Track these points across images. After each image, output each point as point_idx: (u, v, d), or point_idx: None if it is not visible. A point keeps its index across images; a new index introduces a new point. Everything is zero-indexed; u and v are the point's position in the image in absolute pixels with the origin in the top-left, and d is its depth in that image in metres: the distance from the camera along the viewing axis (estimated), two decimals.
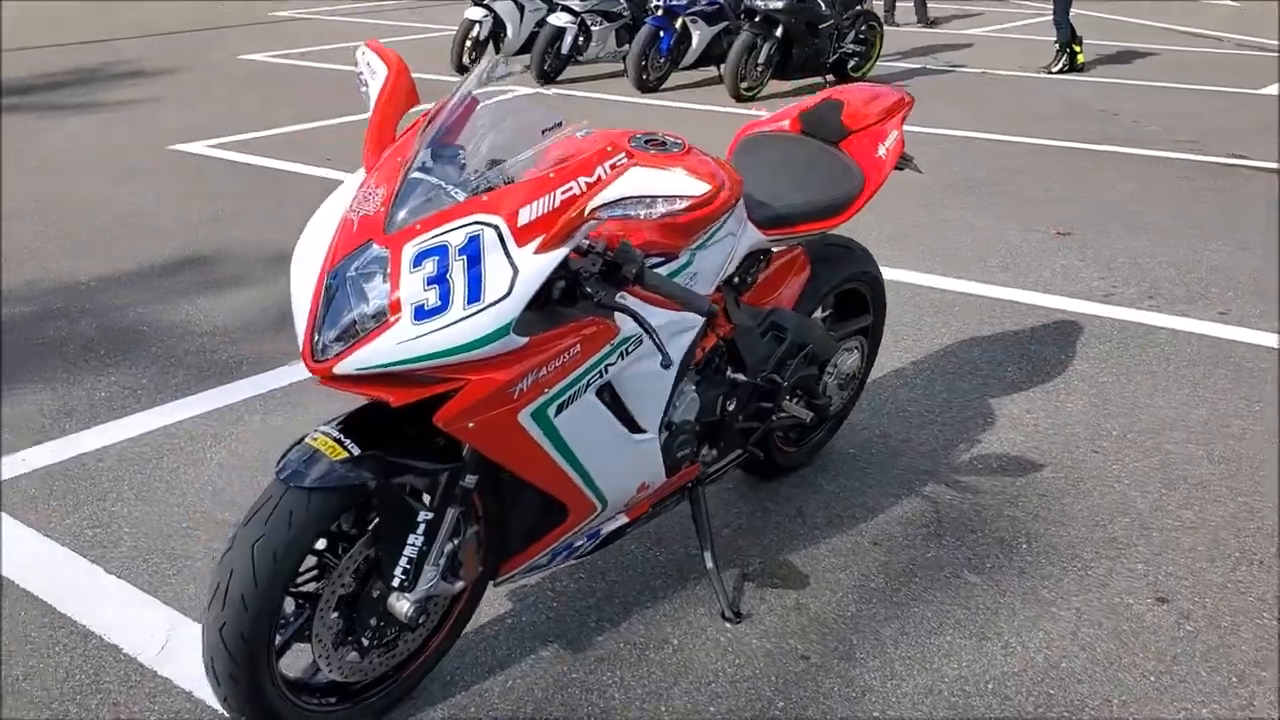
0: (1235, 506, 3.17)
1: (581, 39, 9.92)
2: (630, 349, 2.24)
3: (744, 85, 9.10)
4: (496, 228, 1.94)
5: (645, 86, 9.62)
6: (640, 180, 1.94)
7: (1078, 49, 10.49)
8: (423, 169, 2.07)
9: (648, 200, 1.94)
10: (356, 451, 2.06)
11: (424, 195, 2.02)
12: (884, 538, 3.03)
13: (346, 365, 1.94)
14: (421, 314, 1.92)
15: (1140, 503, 3.19)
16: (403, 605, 2.17)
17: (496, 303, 1.93)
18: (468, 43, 10.13)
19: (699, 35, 9.57)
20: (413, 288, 1.93)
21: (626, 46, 10.05)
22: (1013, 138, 7.84)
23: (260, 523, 2.03)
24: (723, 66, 9.75)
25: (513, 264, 1.94)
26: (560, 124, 2.12)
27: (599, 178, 1.98)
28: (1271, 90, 9.74)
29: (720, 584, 2.74)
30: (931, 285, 4.92)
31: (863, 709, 2.41)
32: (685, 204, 1.94)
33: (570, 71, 10.21)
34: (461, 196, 2.01)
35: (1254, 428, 3.62)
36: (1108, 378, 4.00)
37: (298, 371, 4.05)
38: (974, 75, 10.53)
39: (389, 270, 1.95)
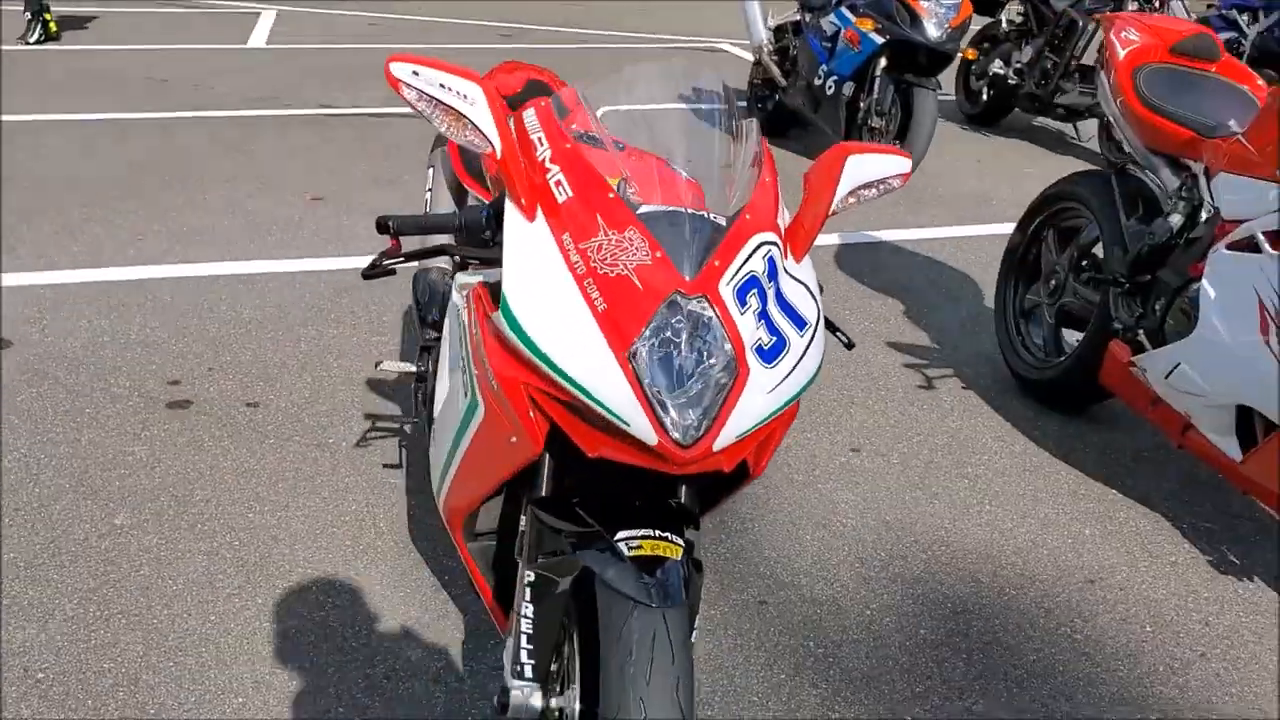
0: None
1: None
2: None
3: None
4: (777, 244, 1.78)
5: None
6: (864, 167, 1.93)
7: (49, 16, 9.81)
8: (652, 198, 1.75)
9: (873, 186, 1.94)
10: (681, 541, 1.73)
11: (687, 226, 1.72)
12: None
13: (725, 438, 1.65)
14: (765, 355, 1.70)
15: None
16: None
17: (818, 322, 1.79)
18: None
19: None
20: (748, 329, 1.69)
21: None
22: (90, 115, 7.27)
23: (666, 669, 1.62)
24: None
25: (797, 278, 1.81)
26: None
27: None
28: (258, 43, 10.33)
29: None
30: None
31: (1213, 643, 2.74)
32: (899, 182, 1.98)
33: None
34: (721, 219, 1.76)
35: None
36: None
37: None
38: None
39: (720, 318, 1.66)
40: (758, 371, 1.68)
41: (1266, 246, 2.81)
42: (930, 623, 2.74)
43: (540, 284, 1.70)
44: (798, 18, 7.29)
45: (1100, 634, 2.75)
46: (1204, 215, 3.22)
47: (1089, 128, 7.55)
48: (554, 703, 1.90)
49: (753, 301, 1.71)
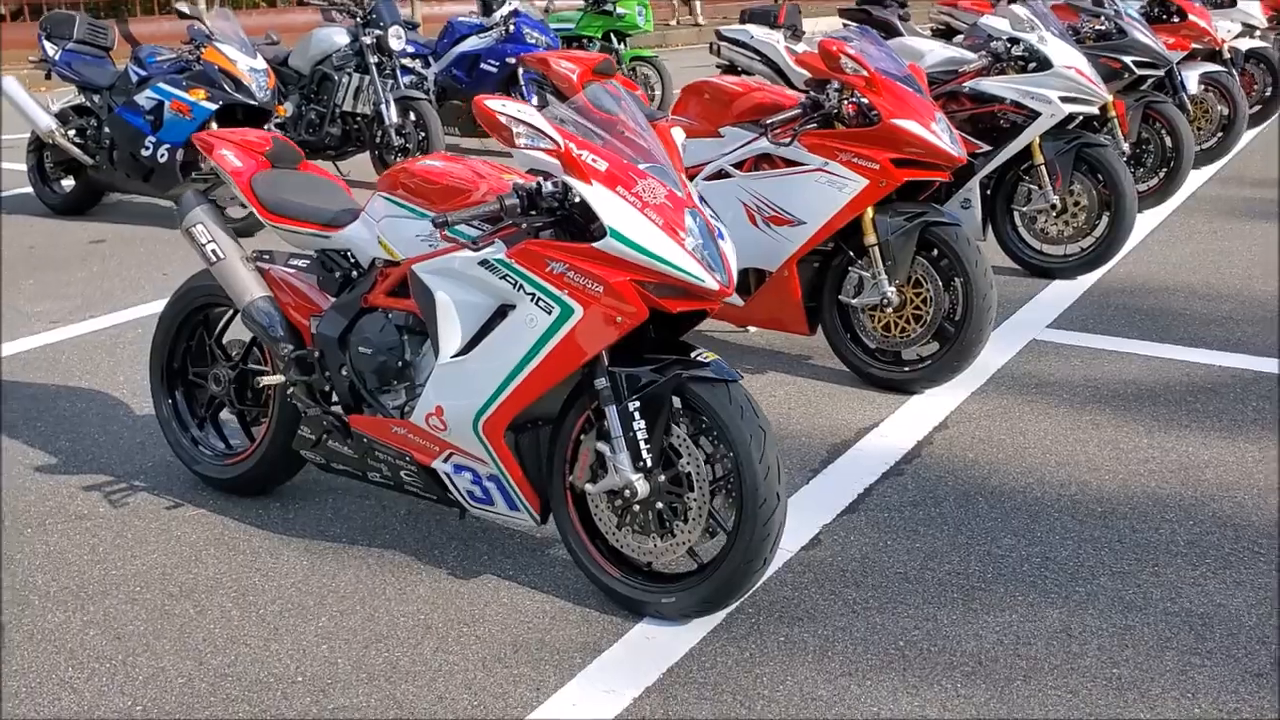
0: None
1: None
2: None
3: None
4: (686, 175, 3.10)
5: None
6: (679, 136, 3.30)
7: None
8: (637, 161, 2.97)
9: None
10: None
11: (666, 169, 2.97)
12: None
13: (733, 281, 2.95)
14: (721, 236, 3.00)
15: None
16: None
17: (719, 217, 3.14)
18: None
19: None
20: (715, 221, 3.01)
21: None
22: None
23: (760, 406, 2.93)
24: None
25: (701, 193, 3.15)
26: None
27: None
28: None
29: None
30: None
31: None
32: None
33: None
34: (664, 165, 3.00)
35: None
36: None
37: None
38: None
39: (706, 221, 2.94)
40: (724, 244, 2.99)
41: (736, 172, 4.69)
42: None
43: (627, 216, 2.81)
44: (79, 101, 7.70)
45: None
46: None
47: (346, 165, 8.97)
48: (661, 477, 3.03)
49: (705, 206, 3.04)
